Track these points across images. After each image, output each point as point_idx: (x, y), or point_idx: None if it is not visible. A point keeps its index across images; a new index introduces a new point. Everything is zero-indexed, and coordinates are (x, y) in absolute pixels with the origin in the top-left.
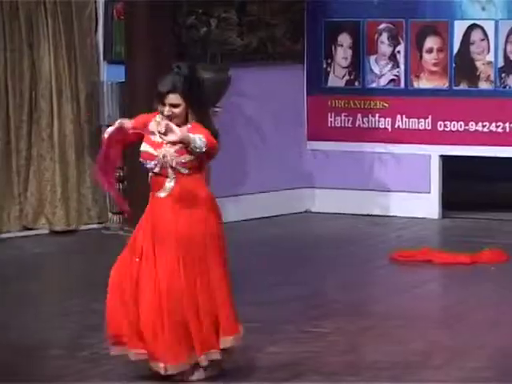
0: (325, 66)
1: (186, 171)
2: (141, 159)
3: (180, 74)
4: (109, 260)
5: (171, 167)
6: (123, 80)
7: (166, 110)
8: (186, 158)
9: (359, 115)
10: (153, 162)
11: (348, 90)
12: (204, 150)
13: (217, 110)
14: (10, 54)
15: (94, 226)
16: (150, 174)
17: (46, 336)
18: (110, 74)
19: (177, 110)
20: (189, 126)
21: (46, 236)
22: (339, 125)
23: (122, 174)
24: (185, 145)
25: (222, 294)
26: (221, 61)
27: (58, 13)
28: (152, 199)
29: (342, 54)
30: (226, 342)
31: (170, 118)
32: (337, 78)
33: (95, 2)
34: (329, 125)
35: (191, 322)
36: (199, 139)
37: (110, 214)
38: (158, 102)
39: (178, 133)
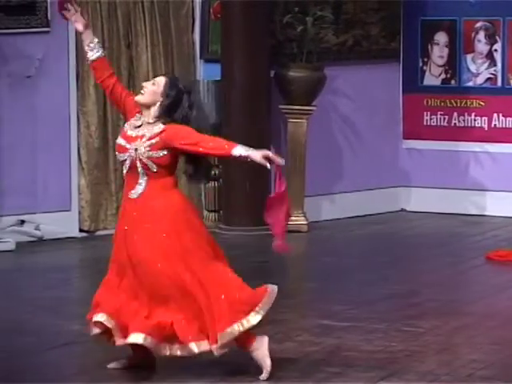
0: (421, 64)
1: (156, 169)
2: (116, 152)
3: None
4: None
5: (141, 161)
6: (219, 78)
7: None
8: (159, 153)
9: (455, 114)
10: (125, 155)
11: (444, 88)
12: None
13: (312, 108)
14: (108, 52)
15: None
16: (124, 169)
17: None
18: (207, 73)
19: (151, 87)
20: (161, 126)
21: None
22: (435, 124)
23: (217, 172)
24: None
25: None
26: (316, 59)
27: (156, 12)
28: (125, 198)
29: (439, 52)
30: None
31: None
32: (433, 76)
33: (192, 1)
34: (424, 123)
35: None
36: None
37: (205, 212)
38: None
39: None
